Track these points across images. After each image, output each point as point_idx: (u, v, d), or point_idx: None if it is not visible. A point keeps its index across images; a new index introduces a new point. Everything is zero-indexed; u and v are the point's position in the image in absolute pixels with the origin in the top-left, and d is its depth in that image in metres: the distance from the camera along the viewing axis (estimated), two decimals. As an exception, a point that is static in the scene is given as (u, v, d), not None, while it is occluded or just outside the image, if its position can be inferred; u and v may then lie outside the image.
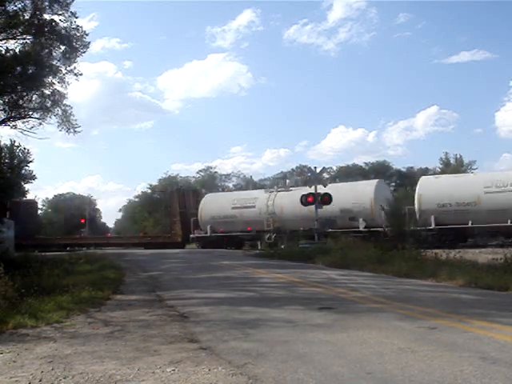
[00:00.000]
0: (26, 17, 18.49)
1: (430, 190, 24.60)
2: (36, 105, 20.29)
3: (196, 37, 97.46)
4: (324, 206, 21.56)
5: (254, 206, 28.52)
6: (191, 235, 31.85)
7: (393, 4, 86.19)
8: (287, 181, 36.64)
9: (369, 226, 24.90)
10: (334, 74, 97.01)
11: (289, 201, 27.21)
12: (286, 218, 27.27)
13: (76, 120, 20.85)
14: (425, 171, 49.32)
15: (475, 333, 5.54)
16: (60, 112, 20.40)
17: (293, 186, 30.53)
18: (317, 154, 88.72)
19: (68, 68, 20.01)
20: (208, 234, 29.89)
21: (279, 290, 9.85)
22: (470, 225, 22.95)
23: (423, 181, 26.39)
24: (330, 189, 23.27)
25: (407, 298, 8.26)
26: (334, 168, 59.18)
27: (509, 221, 22.15)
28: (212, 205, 30.62)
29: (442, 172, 42.88)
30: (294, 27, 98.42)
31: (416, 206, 24.44)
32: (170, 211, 37.21)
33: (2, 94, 19.09)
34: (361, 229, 24.79)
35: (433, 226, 23.17)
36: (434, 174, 41.39)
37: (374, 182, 27.81)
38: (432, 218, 23.35)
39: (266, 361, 4.60)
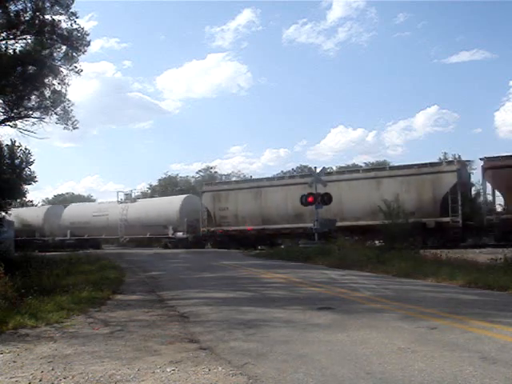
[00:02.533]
0: (27, 17, 18.50)
1: (68, 212, 38.72)
2: (36, 104, 20.30)
3: (195, 36, 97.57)
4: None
5: None
6: None
7: (392, 4, 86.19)
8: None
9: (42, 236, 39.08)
10: (333, 74, 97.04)
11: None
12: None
13: (74, 117, 20.89)
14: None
15: (475, 333, 5.55)
16: (60, 111, 20.43)
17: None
18: (316, 154, 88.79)
19: (69, 68, 20.05)
20: None
21: (279, 290, 9.86)
22: (85, 237, 36.91)
23: (69, 206, 40.39)
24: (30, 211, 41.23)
25: (407, 298, 8.26)
26: (334, 168, 59.12)
27: (104, 234, 36.49)
28: None
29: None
30: (293, 27, 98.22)
31: (61, 222, 38.13)
32: None
33: (3, 93, 19.10)
34: (36, 237, 38.42)
35: (69, 237, 37.64)
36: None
37: (45, 208, 42.47)
38: (68, 231, 37.90)
39: (265, 361, 4.61)
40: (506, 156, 21.85)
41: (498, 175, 21.39)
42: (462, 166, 23.88)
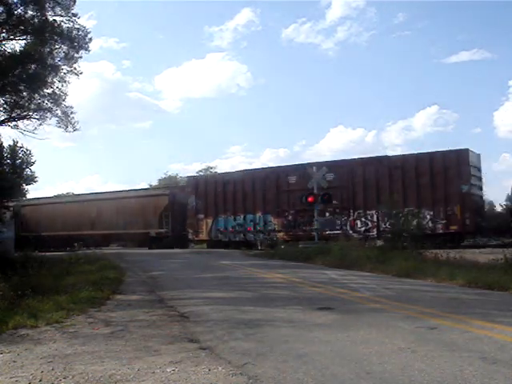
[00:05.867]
0: (29, 18, 18.55)
1: None
2: (36, 105, 20.33)
3: (194, 36, 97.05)
4: None
5: None
6: None
7: (392, 3, 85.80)
8: None
9: None
10: (332, 74, 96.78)
11: None
12: None
13: (74, 118, 20.98)
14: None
15: (475, 333, 5.55)
16: (60, 112, 20.48)
17: None
18: (316, 154, 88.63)
19: (69, 68, 20.11)
20: None
21: (279, 290, 9.86)
22: None
23: None
24: None
25: (407, 298, 8.27)
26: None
27: None
28: None
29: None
30: (292, 26, 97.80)
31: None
32: None
33: (3, 93, 19.14)
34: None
35: None
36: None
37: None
38: None
39: (266, 361, 4.61)
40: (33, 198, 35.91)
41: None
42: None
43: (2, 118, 20.11)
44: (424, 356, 4.62)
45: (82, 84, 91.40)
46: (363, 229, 23.55)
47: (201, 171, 59.35)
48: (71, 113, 20.80)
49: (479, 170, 23.29)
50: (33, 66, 19.33)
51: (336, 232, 23.69)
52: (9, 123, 20.17)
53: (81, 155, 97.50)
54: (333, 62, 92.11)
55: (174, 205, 29.23)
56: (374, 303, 7.81)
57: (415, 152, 23.46)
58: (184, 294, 9.77)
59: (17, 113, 20.24)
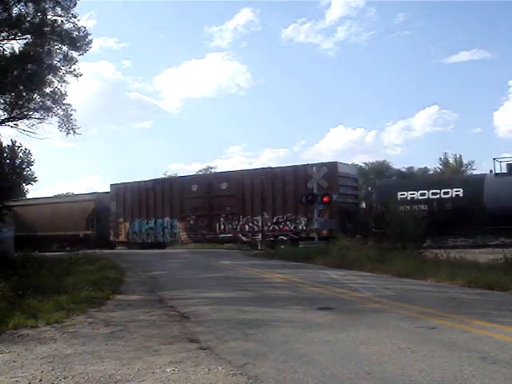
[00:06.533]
0: (28, 18, 18.54)
1: None
2: (36, 105, 20.32)
3: (194, 36, 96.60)
4: None
5: None
6: None
7: (392, 3, 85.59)
8: None
9: None
10: (332, 74, 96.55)
11: None
12: None
13: (76, 120, 20.96)
14: (425, 171, 49.14)
15: (475, 333, 5.55)
16: (60, 112, 20.45)
17: None
18: (316, 154, 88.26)
19: (68, 68, 20.09)
20: None
21: (279, 290, 9.86)
22: None
23: None
24: None
25: (407, 298, 8.27)
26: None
27: None
28: None
29: (442, 173, 42.80)
30: (291, 26, 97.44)
31: None
32: None
33: (3, 93, 19.13)
34: None
35: None
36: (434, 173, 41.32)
37: None
38: None
39: (266, 361, 4.61)
40: None
41: None
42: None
43: (2, 117, 20.10)
44: (424, 356, 4.62)
45: (82, 84, 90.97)
46: (250, 233, 25.97)
47: (200, 171, 59.33)
48: (71, 110, 20.73)
49: (356, 179, 26.34)
50: (32, 66, 19.30)
51: (228, 235, 26.62)
52: (8, 123, 20.16)
53: (81, 155, 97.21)
54: (333, 62, 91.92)
55: (100, 209, 32.43)
56: (374, 303, 7.82)
57: (293, 164, 25.75)
58: (184, 294, 9.77)
59: (17, 112, 20.21)
